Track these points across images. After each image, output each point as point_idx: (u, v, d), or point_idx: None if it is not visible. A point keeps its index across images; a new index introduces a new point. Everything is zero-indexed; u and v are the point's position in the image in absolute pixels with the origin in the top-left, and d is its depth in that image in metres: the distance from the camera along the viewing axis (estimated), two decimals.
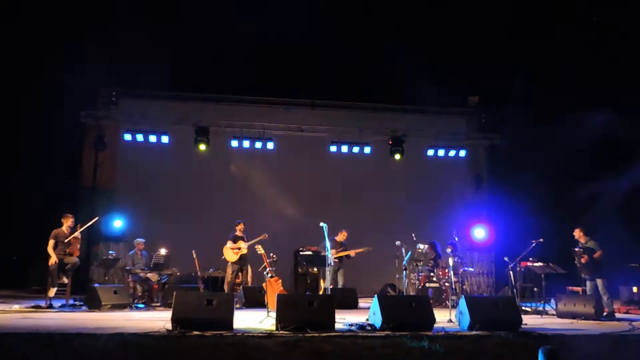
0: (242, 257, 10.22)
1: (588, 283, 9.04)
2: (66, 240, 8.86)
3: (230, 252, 10.17)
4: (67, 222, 8.99)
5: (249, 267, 10.67)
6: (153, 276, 9.67)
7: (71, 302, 8.84)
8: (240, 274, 10.32)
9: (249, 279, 10.72)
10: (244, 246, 10.09)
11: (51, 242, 8.76)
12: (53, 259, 8.67)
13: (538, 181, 12.86)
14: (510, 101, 13.07)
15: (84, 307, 8.51)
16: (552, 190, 12.73)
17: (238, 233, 10.34)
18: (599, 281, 8.79)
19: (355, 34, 13.04)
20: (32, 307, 8.51)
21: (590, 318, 8.14)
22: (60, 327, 6.28)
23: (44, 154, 12.01)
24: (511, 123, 13.21)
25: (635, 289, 10.56)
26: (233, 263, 10.22)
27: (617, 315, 8.99)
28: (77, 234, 9.02)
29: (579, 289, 10.11)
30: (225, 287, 10.51)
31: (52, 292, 8.64)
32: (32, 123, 11.88)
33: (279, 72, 12.87)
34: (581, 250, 8.88)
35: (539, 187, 12.72)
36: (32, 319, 7.22)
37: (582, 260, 8.84)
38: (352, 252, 10.51)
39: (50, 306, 8.48)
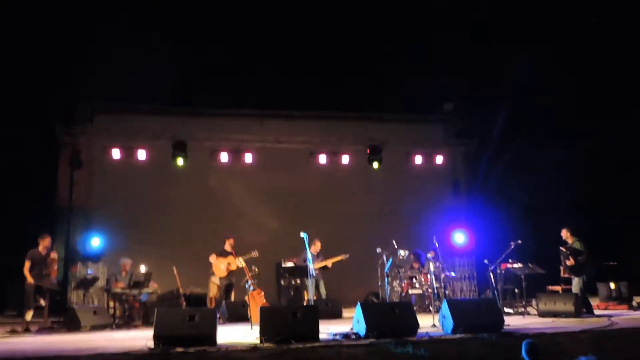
0: (230, 272, 10.10)
1: (574, 280, 9.28)
2: (43, 261, 8.67)
3: (220, 267, 10.03)
4: (44, 243, 8.80)
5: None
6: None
7: (49, 324, 8.64)
8: (231, 290, 10.19)
9: (232, 293, 10.61)
10: (238, 262, 9.81)
11: (27, 264, 8.56)
12: (29, 281, 8.47)
13: (515, 185, 13.10)
14: (486, 107, 13.29)
15: (62, 330, 8.31)
16: (530, 193, 12.95)
17: (227, 248, 10.21)
18: (576, 279, 9.02)
19: (330, 43, 13.14)
20: (8, 331, 8.27)
21: (570, 316, 8.28)
22: (38, 351, 6.12)
23: (18, 173, 11.77)
24: (489, 129, 13.42)
25: (612, 286, 10.79)
26: (221, 278, 10.11)
27: (597, 311, 9.18)
28: (53, 254, 8.83)
29: (559, 288, 10.30)
30: (209, 303, 10.39)
31: (29, 315, 8.43)
32: (4, 141, 11.64)
33: (255, 83, 12.88)
34: (568, 252, 9.09)
35: (516, 191, 12.95)
36: (8, 344, 7.02)
37: (568, 263, 9.06)
38: (328, 262, 10.51)
39: (27, 330, 8.27)
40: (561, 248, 9.29)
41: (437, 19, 12.85)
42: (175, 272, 9.78)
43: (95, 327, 8.30)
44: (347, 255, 10.55)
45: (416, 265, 10.69)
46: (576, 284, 9.04)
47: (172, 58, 12.43)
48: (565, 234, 9.38)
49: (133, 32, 11.71)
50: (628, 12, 11.87)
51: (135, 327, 8.92)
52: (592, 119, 12.90)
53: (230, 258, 10.04)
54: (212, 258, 10.10)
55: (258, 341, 6.29)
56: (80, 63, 11.65)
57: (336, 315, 9.49)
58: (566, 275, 9.71)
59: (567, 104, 12.98)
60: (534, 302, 9.38)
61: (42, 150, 12.25)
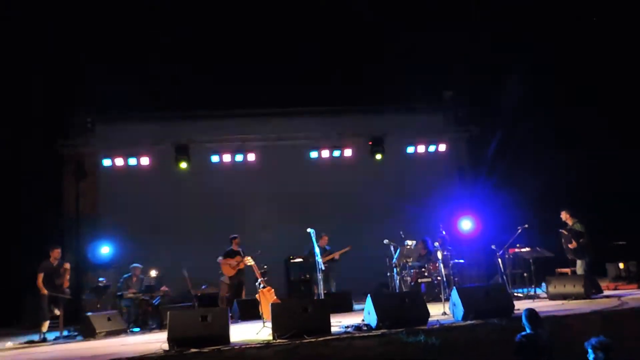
0: (240, 271, 10.18)
1: (577, 263, 9.30)
2: (55, 272, 8.78)
3: (227, 267, 10.11)
4: (54, 254, 8.90)
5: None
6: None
7: (65, 333, 8.75)
8: (241, 289, 10.28)
9: (243, 292, 10.68)
10: (247, 261, 9.81)
11: (40, 276, 8.67)
12: (43, 292, 8.57)
13: (521, 169, 13.06)
14: (488, 94, 13.25)
15: (78, 337, 8.42)
16: (535, 177, 12.90)
17: (234, 247, 10.29)
18: (579, 262, 9.06)
19: (328, 37, 13.11)
20: (26, 342, 8.40)
21: (580, 297, 8.30)
22: None
23: (24, 187, 11.85)
24: (492, 115, 13.39)
25: (621, 265, 10.79)
26: (230, 277, 10.19)
27: (607, 292, 9.20)
28: (66, 265, 8.95)
29: (568, 270, 10.30)
30: (220, 303, 10.47)
31: (45, 326, 8.51)
32: (8, 156, 11.73)
33: (253, 81, 12.87)
34: (569, 235, 9.09)
35: (521, 175, 12.91)
36: (27, 355, 7.14)
37: (570, 246, 9.07)
38: (336, 255, 10.60)
39: (44, 339, 8.38)
40: (561, 231, 9.28)
41: (436, 11, 12.79)
42: (185, 274, 9.86)
43: (110, 333, 8.39)
44: (350, 247, 10.65)
45: (423, 252, 10.72)
46: (580, 266, 9.07)
47: (169, 61, 12.46)
48: (564, 215, 9.38)
49: (128, 36, 11.75)
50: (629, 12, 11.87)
51: (150, 330, 9.02)
52: (593, 109, 12.85)
53: (238, 257, 10.12)
54: (220, 259, 10.19)
55: (271, 337, 6.36)
56: (79, 73, 11.67)
57: (347, 308, 9.54)
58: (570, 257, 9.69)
59: (567, 97, 12.93)
60: (543, 285, 9.39)
61: (46, 163, 12.31)
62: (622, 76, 12.46)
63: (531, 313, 4.71)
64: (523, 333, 4.69)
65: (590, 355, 4.14)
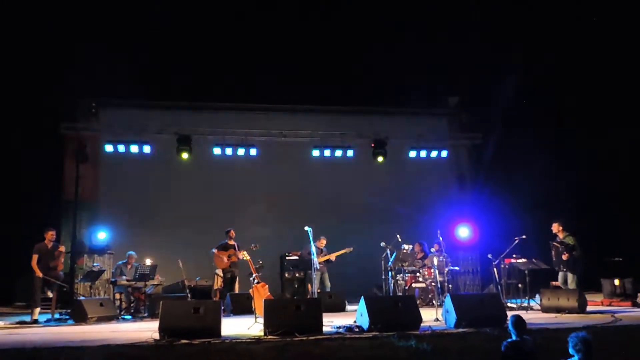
0: (233, 264, 10.19)
1: (560, 275, 9.28)
2: (49, 254, 8.77)
3: (221, 259, 10.12)
4: (49, 236, 8.89)
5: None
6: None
7: (57, 316, 8.75)
8: (234, 282, 10.29)
9: (236, 285, 10.69)
10: (242, 256, 9.76)
11: (34, 257, 8.65)
12: (37, 274, 8.57)
13: (520, 179, 13.06)
14: (491, 101, 13.25)
15: (69, 321, 8.42)
16: (534, 188, 12.92)
17: (229, 240, 10.30)
18: (571, 276, 9.01)
19: (335, 37, 13.11)
20: (17, 322, 8.40)
21: (574, 312, 8.27)
22: (46, 342, 6.21)
23: (24, 168, 11.85)
24: (493, 123, 13.38)
25: (617, 282, 10.76)
26: (224, 270, 10.19)
27: (601, 308, 9.17)
28: (61, 247, 8.95)
29: None
30: (213, 296, 10.47)
31: (35, 313, 8.48)
32: (10, 137, 11.72)
33: (259, 77, 12.88)
34: (563, 248, 9.05)
35: (520, 185, 12.92)
36: (17, 335, 7.13)
37: (563, 257, 9.03)
38: (332, 256, 10.57)
39: (35, 321, 8.38)
40: (553, 243, 9.22)
41: (440, 11, 12.79)
42: (180, 264, 9.86)
43: (101, 319, 8.39)
44: (351, 249, 10.59)
45: (420, 255, 10.71)
46: (572, 281, 9.02)
47: (176, 52, 12.46)
48: (556, 227, 9.31)
49: (136, 25, 11.73)
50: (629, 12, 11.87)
51: (141, 319, 9.02)
52: (594, 114, 12.85)
53: (232, 250, 10.12)
54: (214, 251, 10.19)
55: (262, 333, 6.36)
56: (84, 59, 11.67)
57: (340, 308, 9.53)
58: (562, 269, 9.58)
59: (568, 100, 12.92)
60: (537, 298, 9.37)
61: (48, 145, 12.31)
62: (623, 79, 12.48)
63: (517, 320, 4.75)
64: (509, 340, 4.71)
65: (571, 348, 4.18)
